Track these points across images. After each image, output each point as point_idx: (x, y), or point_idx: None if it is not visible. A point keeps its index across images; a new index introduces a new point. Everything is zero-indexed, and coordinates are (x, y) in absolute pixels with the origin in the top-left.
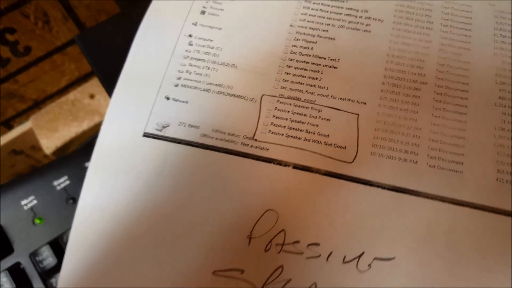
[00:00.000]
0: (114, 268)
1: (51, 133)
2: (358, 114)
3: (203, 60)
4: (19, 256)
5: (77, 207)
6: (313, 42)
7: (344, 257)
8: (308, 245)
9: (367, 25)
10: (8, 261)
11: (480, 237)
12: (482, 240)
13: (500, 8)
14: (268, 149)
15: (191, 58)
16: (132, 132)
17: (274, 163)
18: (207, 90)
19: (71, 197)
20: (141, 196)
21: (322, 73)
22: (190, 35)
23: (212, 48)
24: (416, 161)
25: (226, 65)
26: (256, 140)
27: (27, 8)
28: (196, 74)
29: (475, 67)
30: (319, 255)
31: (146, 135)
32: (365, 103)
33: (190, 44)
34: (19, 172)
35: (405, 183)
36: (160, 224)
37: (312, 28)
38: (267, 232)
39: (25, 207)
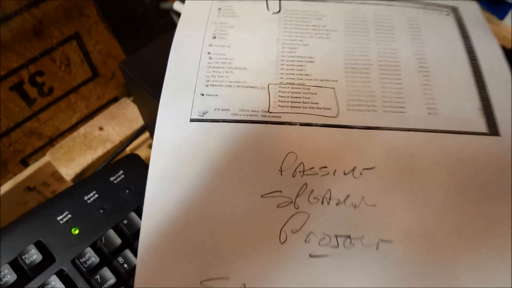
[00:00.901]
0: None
1: (69, 162)
2: (334, 88)
3: (222, 67)
4: (61, 263)
5: (145, 199)
6: (294, 48)
7: (344, 171)
8: (320, 168)
9: (327, 34)
10: (52, 270)
11: (423, 146)
12: (425, 149)
13: (409, 15)
14: (280, 117)
15: (213, 67)
16: (181, 120)
17: (286, 124)
18: (229, 85)
19: (102, 207)
20: (200, 163)
21: (305, 66)
22: (209, 53)
23: (226, 59)
24: (376, 110)
25: (239, 69)
26: (271, 112)
27: (55, 54)
28: (219, 76)
29: (401, 50)
30: (328, 173)
31: (192, 120)
32: (337, 80)
33: (210, 58)
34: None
35: (372, 123)
36: (219, 176)
37: (292, 40)
38: (291, 165)
39: (61, 222)
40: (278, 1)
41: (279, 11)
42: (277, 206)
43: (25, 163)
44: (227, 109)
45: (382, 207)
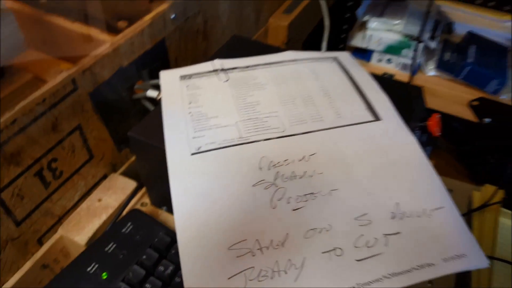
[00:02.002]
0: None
1: (80, 231)
2: (277, 116)
3: (201, 119)
4: None
5: (174, 211)
6: (245, 98)
7: (298, 159)
8: (283, 161)
9: (263, 87)
10: None
11: (338, 135)
12: (340, 136)
13: (309, 67)
14: (249, 138)
15: (196, 120)
16: (185, 155)
17: (255, 142)
18: (210, 128)
19: (121, 253)
20: (206, 178)
21: (255, 107)
22: (190, 112)
23: (203, 114)
24: (306, 122)
25: (213, 117)
26: (242, 137)
27: (65, 143)
28: (201, 125)
29: (310, 87)
30: (289, 163)
31: (192, 154)
32: (277, 111)
33: (192, 115)
34: None
35: (306, 130)
36: (221, 182)
37: (242, 94)
38: (265, 163)
39: (91, 272)
40: (225, 74)
41: (227, 80)
42: (264, 188)
43: (40, 242)
44: (213, 142)
45: (326, 172)
